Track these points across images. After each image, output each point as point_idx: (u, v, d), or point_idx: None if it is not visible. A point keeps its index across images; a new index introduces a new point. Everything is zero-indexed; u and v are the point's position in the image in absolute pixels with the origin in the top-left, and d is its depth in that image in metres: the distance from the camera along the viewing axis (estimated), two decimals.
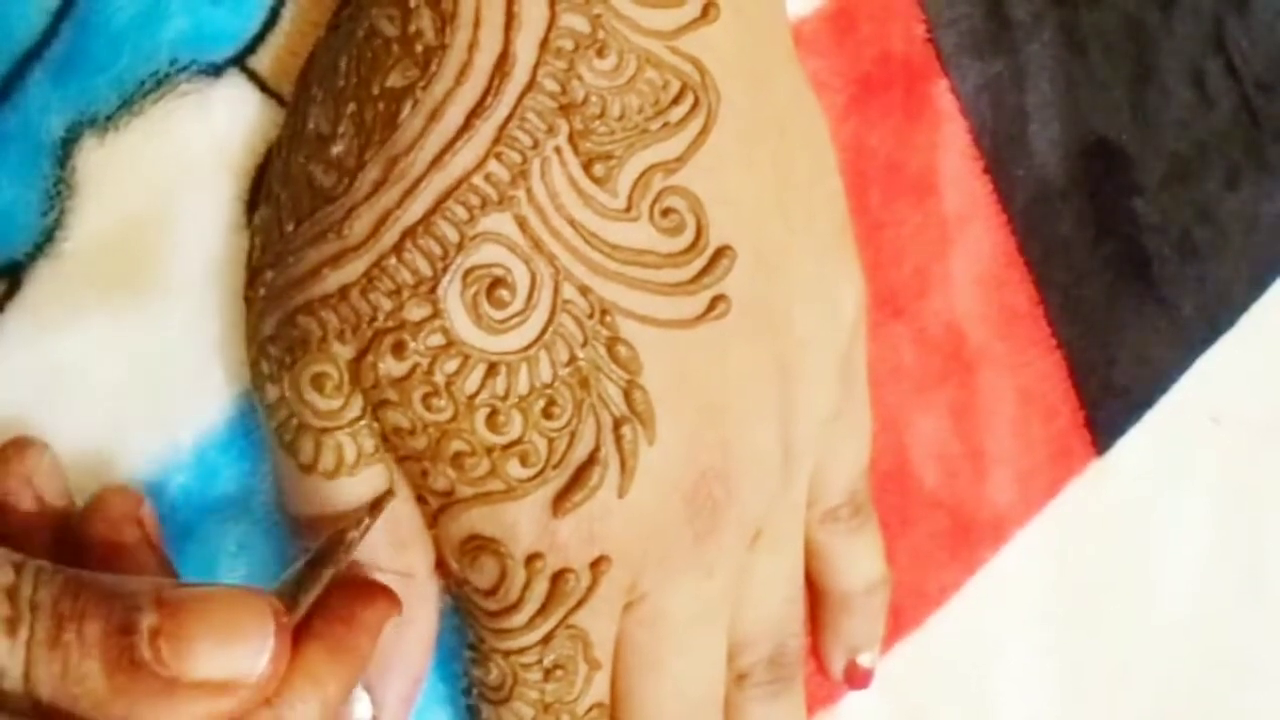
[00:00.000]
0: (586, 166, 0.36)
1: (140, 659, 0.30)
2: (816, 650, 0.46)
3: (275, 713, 0.32)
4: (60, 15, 0.38)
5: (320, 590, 0.34)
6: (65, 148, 0.38)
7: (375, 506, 0.36)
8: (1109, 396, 0.50)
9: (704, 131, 0.36)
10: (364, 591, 0.36)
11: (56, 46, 0.38)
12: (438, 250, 0.35)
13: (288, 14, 0.39)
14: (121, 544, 0.36)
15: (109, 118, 0.38)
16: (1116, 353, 0.50)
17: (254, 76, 0.39)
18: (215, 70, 0.39)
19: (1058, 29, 0.48)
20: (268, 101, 0.39)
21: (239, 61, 0.39)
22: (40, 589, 0.31)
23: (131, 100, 0.38)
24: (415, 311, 0.35)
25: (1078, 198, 0.49)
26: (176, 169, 0.39)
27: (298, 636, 0.33)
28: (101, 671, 0.30)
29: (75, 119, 0.38)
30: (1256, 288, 0.52)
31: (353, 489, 0.37)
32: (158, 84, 0.38)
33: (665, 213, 0.36)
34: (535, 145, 0.35)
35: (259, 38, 0.39)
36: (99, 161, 0.38)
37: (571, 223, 0.36)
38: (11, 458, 0.36)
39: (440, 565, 0.39)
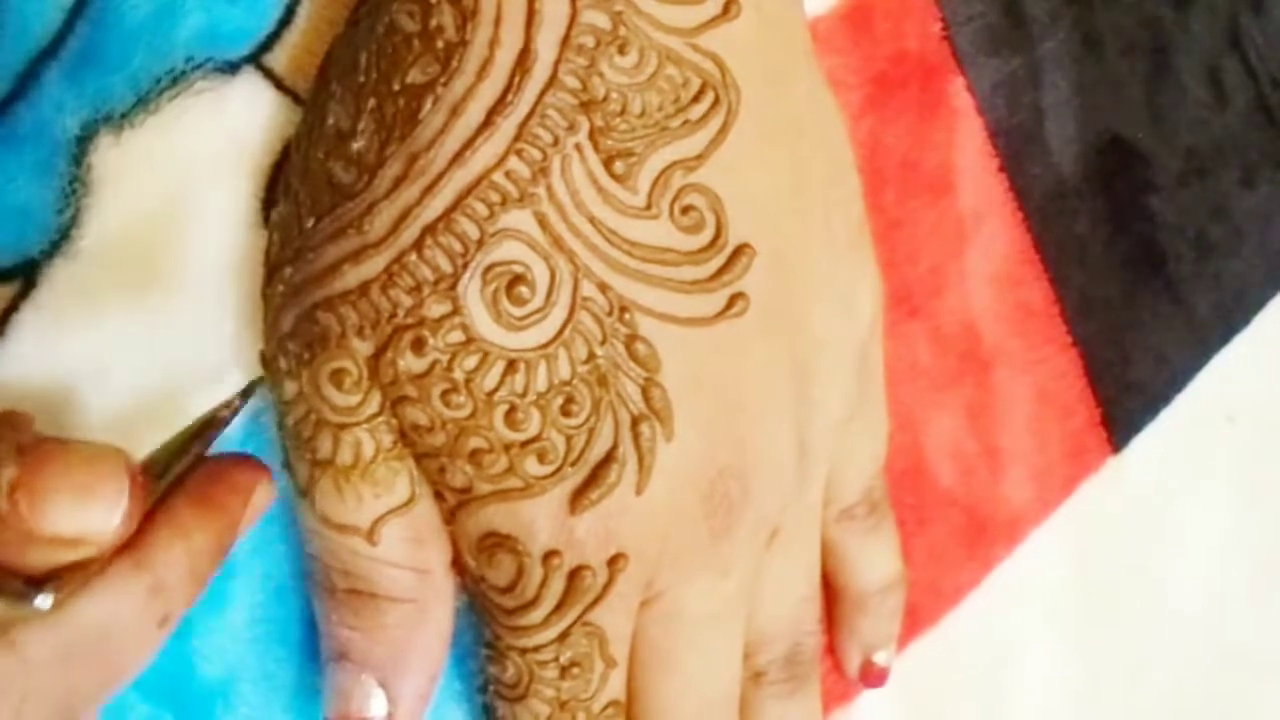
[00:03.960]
0: (607, 164, 0.36)
1: None
2: (832, 649, 0.46)
3: (137, 556, 0.33)
4: (75, 13, 0.38)
5: (189, 462, 0.35)
6: (81, 146, 0.38)
7: (247, 392, 0.37)
8: (1125, 394, 0.50)
9: (724, 129, 0.36)
10: (233, 459, 0.36)
11: (71, 44, 0.38)
12: (458, 247, 0.35)
13: (303, 12, 0.39)
14: None
15: (124, 116, 0.38)
16: (1132, 350, 0.50)
17: (270, 74, 0.39)
18: (231, 68, 0.39)
19: (1073, 27, 0.48)
20: (284, 99, 0.39)
21: (255, 59, 0.39)
22: None
23: (147, 98, 0.38)
24: (435, 308, 0.35)
25: (1093, 195, 0.49)
26: (192, 167, 0.39)
27: (166, 495, 0.34)
28: None
29: (91, 117, 0.38)
30: (1272, 286, 0.52)
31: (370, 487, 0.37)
32: (173, 82, 0.38)
33: (685, 210, 0.36)
34: (556, 142, 0.35)
35: (275, 35, 0.39)
36: (115, 159, 0.38)
37: (591, 220, 0.36)
38: None
39: (457, 562, 0.38)
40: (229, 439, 0.39)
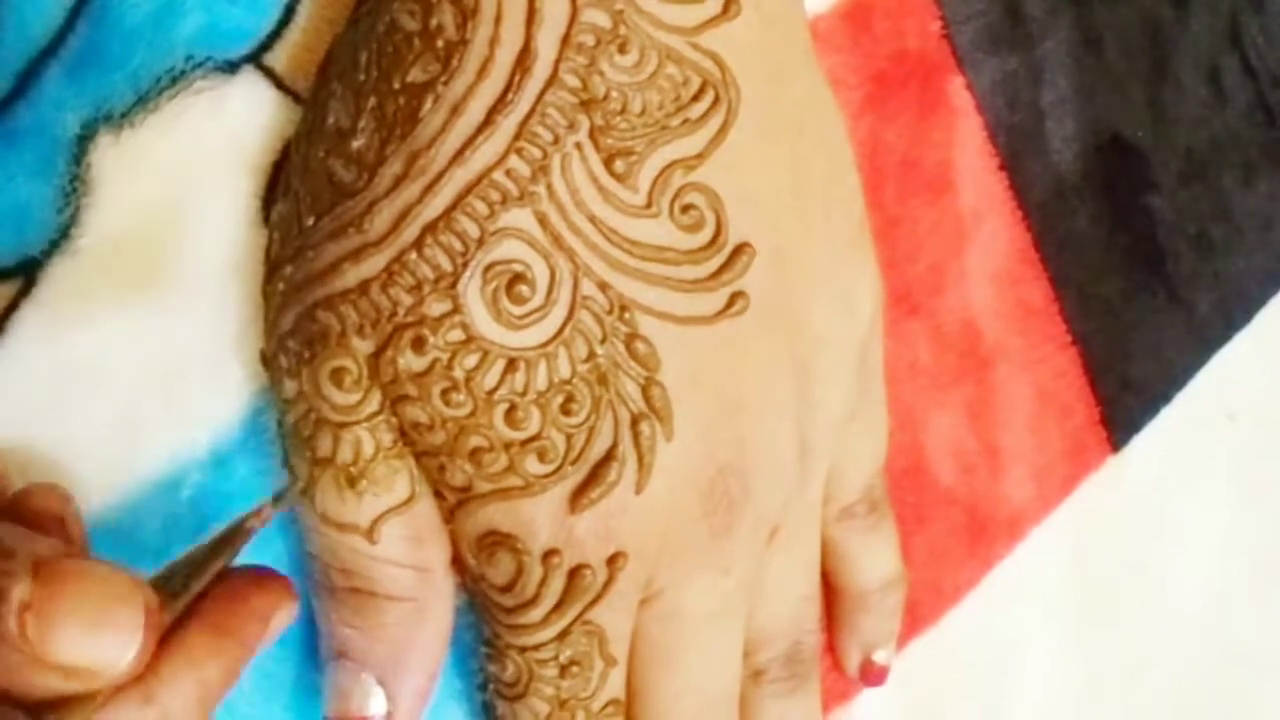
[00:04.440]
0: (607, 162, 0.36)
1: (4, 631, 0.29)
2: (832, 647, 0.46)
3: (146, 689, 0.31)
4: (76, 12, 0.38)
5: (210, 578, 0.33)
6: (81, 145, 0.38)
7: (278, 499, 0.36)
8: (1125, 393, 0.50)
9: (724, 128, 0.36)
10: (257, 578, 0.35)
11: (72, 43, 0.38)
12: (458, 246, 0.35)
13: (303, 11, 0.39)
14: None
15: (124, 115, 0.38)
16: (1132, 349, 0.50)
17: (270, 74, 0.39)
18: (231, 67, 0.39)
19: (1073, 26, 0.48)
20: (284, 99, 0.39)
21: (255, 59, 0.39)
22: None
23: (147, 97, 0.38)
24: (435, 307, 0.35)
25: (1093, 194, 0.49)
26: (192, 166, 0.39)
27: (181, 617, 0.33)
28: None
29: (91, 116, 0.38)
30: (1272, 284, 0.52)
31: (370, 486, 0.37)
32: (173, 81, 0.38)
33: (685, 209, 0.36)
34: (556, 141, 0.35)
35: (275, 35, 0.39)
36: (115, 158, 0.38)
37: (591, 219, 0.36)
38: None
39: (456, 561, 0.38)
40: (229, 437, 0.39)
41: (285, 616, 0.35)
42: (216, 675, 0.33)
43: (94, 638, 0.30)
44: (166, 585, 0.32)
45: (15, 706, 0.30)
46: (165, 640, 0.32)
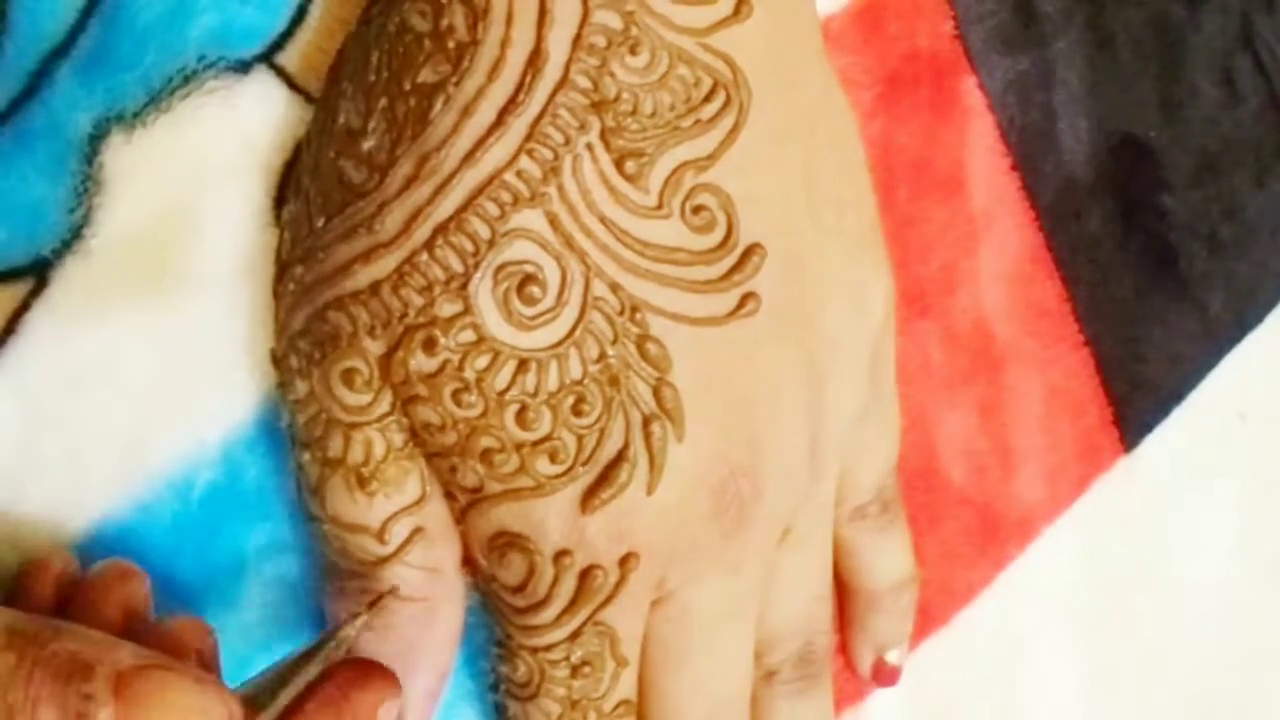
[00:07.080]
0: (618, 164, 0.36)
1: None
2: (844, 648, 0.46)
3: None
4: (87, 11, 0.38)
5: (302, 686, 0.33)
6: (93, 144, 0.38)
7: (373, 604, 0.36)
8: (1137, 393, 0.50)
9: (735, 129, 0.36)
10: (360, 674, 0.35)
11: (84, 43, 0.38)
12: (469, 247, 0.35)
13: (315, 11, 0.39)
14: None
15: (136, 115, 0.38)
16: (1144, 349, 0.50)
17: (282, 73, 0.39)
18: (243, 67, 0.39)
19: (1086, 26, 0.48)
20: (295, 98, 0.39)
21: (267, 58, 0.39)
22: None
23: (159, 97, 0.38)
24: (446, 308, 0.35)
25: (1105, 194, 0.49)
26: (204, 166, 0.39)
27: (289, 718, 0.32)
28: None
29: (103, 116, 0.38)
30: None
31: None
32: (185, 81, 0.38)
33: (696, 210, 0.36)
34: (567, 142, 0.35)
35: (287, 34, 0.39)
36: (126, 158, 0.38)
37: (603, 220, 0.36)
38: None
39: (468, 561, 0.39)
40: (240, 437, 0.39)
41: (392, 710, 0.35)
42: None
43: None
44: (255, 698, 0.32)
45: None
46: None
